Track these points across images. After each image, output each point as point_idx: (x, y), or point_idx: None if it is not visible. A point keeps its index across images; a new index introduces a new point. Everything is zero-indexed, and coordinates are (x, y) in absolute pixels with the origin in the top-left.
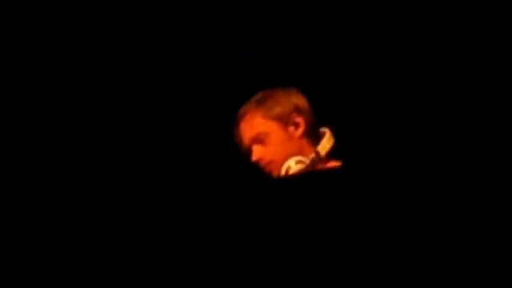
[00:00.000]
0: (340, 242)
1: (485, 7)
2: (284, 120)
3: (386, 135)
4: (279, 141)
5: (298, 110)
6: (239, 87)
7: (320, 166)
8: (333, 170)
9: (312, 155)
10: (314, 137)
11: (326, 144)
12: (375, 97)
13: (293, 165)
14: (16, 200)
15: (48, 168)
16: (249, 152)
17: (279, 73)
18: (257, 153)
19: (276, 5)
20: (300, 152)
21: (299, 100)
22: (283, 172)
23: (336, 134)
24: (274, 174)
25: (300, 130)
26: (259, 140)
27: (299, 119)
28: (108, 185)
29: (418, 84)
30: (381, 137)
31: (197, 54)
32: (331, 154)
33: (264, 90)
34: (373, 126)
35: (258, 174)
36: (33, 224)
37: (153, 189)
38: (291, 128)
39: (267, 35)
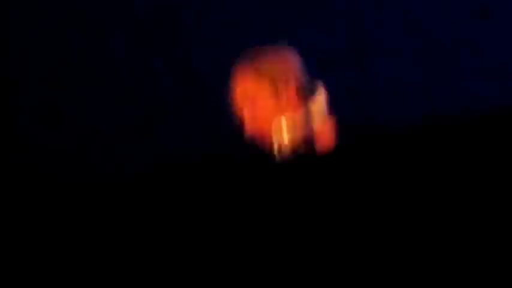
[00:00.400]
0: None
1: None
2: (276, 79)
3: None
4: (270, 99)
5: (288, 70)
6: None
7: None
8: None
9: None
10: (308, 92)
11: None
12: None
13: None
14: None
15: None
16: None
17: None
18: (249, 110)
19: None
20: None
21: (289, 61)
22: (275, 145)
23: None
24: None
25: (291, 89)
26: (251, 96)
27: (290, 79)
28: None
29: None
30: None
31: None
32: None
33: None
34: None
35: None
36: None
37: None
38: (282, 86)
39: None
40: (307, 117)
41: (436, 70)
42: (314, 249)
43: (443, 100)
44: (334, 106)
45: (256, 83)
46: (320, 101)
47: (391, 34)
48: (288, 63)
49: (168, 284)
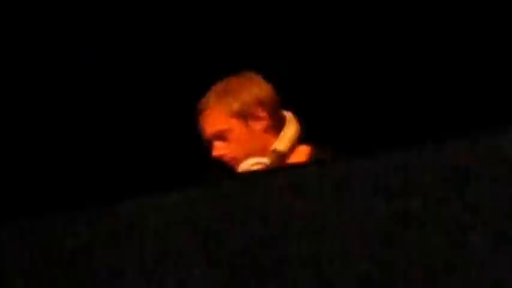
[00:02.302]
0: None
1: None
2: (245, 116)
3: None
4: (241, 138)
5: (261, 102)
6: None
7: (287, 160)
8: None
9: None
10: (280, 129)
11: (286, 134)
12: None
13: (250, 168)
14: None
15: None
16: (210, 145)
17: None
18: (218, 149)
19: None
20: (263, 149)
21: (262, 91)
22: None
23: (306, 115)
24: (239, 170)
25: (262, 124)
26: (220, 136)
27: (261, 113)
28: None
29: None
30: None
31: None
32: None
33: (225, 78)
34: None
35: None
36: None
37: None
38: (253, 123)
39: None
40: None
41: None
42: None
43: None
44: None
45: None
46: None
47: None
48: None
49: None
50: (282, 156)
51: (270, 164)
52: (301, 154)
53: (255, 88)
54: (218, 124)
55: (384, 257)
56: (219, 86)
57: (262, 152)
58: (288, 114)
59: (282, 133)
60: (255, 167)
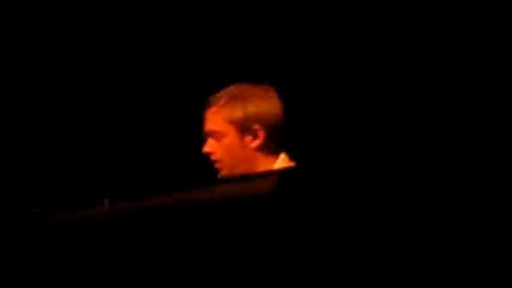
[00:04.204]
0: None
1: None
2: (243, 128)
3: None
4: (231, 146)
5: (263, 120)
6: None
7: None
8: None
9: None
10: (273, 153)
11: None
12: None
13: None
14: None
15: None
16: (205, 140)
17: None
18: (209, 146)
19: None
20: (248, 165)
21: (270, 109)
22: None
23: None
24: (221, 173)
25: (257, 142)
26: (214, 136)
27: (260, 131)
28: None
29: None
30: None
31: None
32: None
33: (245, 83)
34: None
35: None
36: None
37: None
38: (248, 138)
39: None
40: None
41: None
42: None
43: None
44: None
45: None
46: None
47: None
48: None
49: None
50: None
51: None
52: None
53: (264, 104)
54: (216, 124)
55: None
56: (233, 89)
57: (246, 167)
58: (282, 155)
59: (279, 159)
60: None
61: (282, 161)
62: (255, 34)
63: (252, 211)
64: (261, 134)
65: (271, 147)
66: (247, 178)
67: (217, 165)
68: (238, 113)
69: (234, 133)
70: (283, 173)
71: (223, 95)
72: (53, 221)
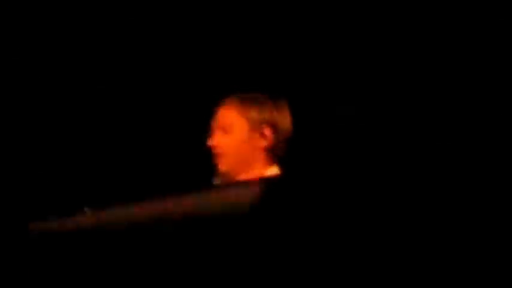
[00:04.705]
0: None
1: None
2: (254, 126)
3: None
4: (238, 140)
5: (274, 126)
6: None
7: None
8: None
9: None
10: (271, 161)
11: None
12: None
13: None
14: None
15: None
16: (211, 135)
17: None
18: (215, 139)
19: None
20: (248, 163)
21: (283, 120)
22: None
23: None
24: (220, 168)
25: (263, 143)
26: (223, 128)
27: (268, 133)
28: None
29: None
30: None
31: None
32: None
33: (269, 95)
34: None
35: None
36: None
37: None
38: (256, 137)
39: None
40: None
41: None
42: None
43: None
44: None
45: None
46: None
47: None
48: None
49: None
50: None
51: None
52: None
53: (279, 114)
54: (229, 117)
55: None
56: (252, 94)
57: (244, 166)
58: (274, 167)
59: (271, 169)
60: None
61: (272, 172)
62: (258, 39)
63: (232, 221)
64: (269, 136)
65: (271, 155)
66: (228, 187)
67: (218, 160)
68: (253, 112)
69: (245, 129)
70: (264, 182)
71: (241, 96)
72: (34, 231)
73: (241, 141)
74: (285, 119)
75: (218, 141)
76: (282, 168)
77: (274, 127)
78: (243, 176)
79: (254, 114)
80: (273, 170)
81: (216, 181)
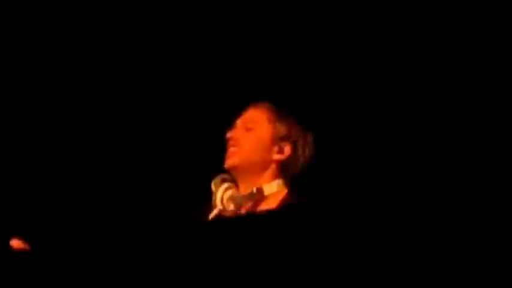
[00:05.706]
0: None
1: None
2: (278, 138)
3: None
4: (258, 141)
5: (295, 145)
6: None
7: (259, 204)
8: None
9: (253, 190)
10: (281, 173)
11: (274, 185)
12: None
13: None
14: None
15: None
16: (231, 128)
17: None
18: (235, 132)
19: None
20: (258, 169)
21: (306, 149)
22: (218, 200)
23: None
24: (228, 161)
25: (279, 156)
26: (247, 126)
27: (287, 151)
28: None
29: None
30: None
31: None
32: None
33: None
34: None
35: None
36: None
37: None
38: (275, 148)
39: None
40: None
41: None
42: None
43: None
44: None
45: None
46: None
47: None
48: None
49: None
50: (260, 196)
51: (244, 197)
52: (275, 198)
53: (302, 141)
54: (258, 118)
55: None
56: (287, 110)
57: (255, 170)
58: (280, 180)
59: (276, 181)
60: (227, 192)
61: (277, 185)
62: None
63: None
64: (288, 153)
65: (282, 170)
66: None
67: (230, 153)
68: (283, 126)
69: (268, 136)
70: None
71: (277, 105)
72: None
73: (258, 144)
74: (309, 151)
75: (237, 134)
76: (289, 183)
77: (294, 149)
78: (246, 182)
79: (282, 128)
80: (279, 183)
81: (216, 181)
